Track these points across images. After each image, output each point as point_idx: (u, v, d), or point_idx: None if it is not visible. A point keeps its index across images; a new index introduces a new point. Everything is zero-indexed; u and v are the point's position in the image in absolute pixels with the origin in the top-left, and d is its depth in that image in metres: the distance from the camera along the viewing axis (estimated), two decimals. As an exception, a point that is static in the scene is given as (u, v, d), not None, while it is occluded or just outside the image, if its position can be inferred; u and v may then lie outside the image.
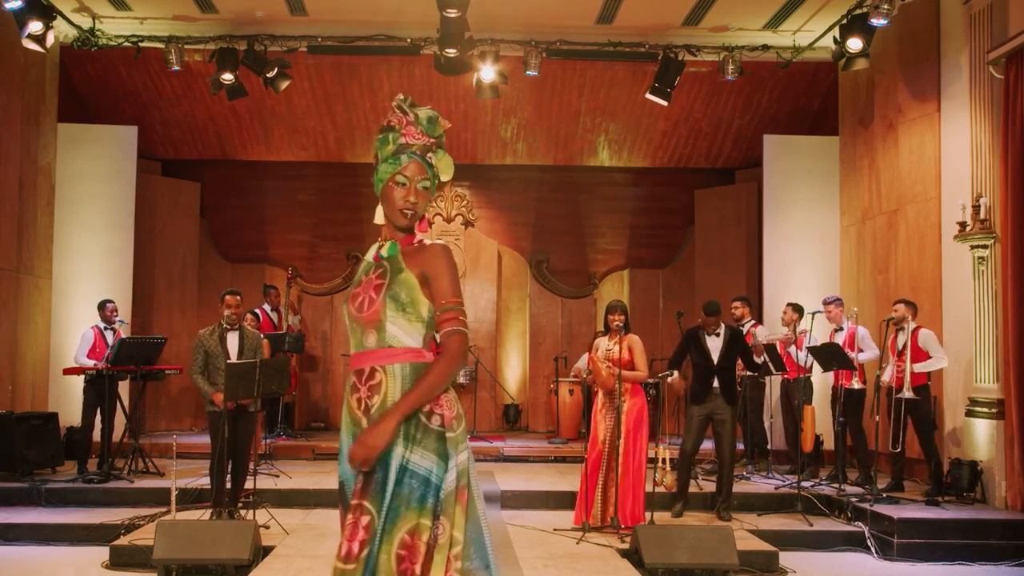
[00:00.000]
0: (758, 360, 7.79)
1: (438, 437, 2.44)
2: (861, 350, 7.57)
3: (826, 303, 7.97)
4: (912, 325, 7.15)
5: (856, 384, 7.49)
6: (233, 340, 6.53)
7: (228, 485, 6.35)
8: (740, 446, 8.99)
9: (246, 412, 6.35)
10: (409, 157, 2.54)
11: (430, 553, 2.38)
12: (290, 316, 10.48)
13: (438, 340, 2.54)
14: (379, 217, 2.63)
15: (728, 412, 6.80)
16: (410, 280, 2.50)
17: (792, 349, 8.15)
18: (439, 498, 2.41)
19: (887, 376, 7.28)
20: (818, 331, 8.26)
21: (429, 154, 2.56)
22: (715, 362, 6.81)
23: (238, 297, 6.62)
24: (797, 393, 7.90)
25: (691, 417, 6.88)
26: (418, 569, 2.36)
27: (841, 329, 7.85)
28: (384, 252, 2.58)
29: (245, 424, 6.39)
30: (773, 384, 8.41)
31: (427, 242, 2.59)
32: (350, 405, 2.55)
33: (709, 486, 7.50)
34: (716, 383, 6.80)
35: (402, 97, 2.62)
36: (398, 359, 2.51)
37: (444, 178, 2.62)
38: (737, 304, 8.63)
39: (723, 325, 6.96)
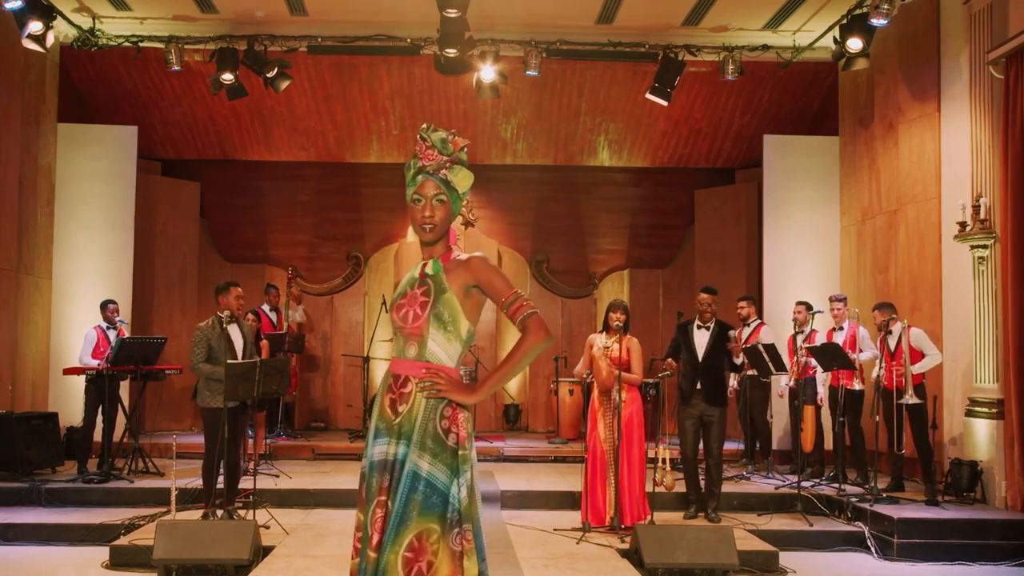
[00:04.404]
0: (736, 360, 7.50)
1: (452, 454, 2.67)
2: (861, 350, 7.57)
3: (834, 300, 7.97)
4: (902, 325, 7.15)
5: (856, 385, 7.48)
6: (236, 333, 6.49)
7: (220, 485, 6.34)
8: (737, 446, 9.00)
9: (242, 407, 6.35)
10: (424, 177, 2.78)
11: (449, 556, 2.60)
12: (291, 311, 10.45)
13: (517, 327, 2.74)
14: (411, 235, 2.87)
15: (716, 413, 6.66)
16: (452, 301, 2.72)
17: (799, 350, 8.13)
18: (456, 508, 2.62)
19: (875, 373, 7.31)
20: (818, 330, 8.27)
21: (443, 171, 2.79)
22: (700, 358, 6.71)
23: (239, 289, 6.64)
24: (799, 393, 7.88)
25: (682, 420, 6.76)
26: (424, 568, 2.57)
27: (841, 329, 7.85)
28: (428, 270, 2.79)
29: (241, 420, 6.42)
30: (774, 384, 8.41)
31: (463, 256, 2.80)
32: (382, 403, 2.78)
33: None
34: (699, 383, 6.67)
35: (424, 126, 2.85)
36: None
37: (461, 190, 2.84)
38: (743, 304, 8.61)
39: (715, 319, 6.86)
